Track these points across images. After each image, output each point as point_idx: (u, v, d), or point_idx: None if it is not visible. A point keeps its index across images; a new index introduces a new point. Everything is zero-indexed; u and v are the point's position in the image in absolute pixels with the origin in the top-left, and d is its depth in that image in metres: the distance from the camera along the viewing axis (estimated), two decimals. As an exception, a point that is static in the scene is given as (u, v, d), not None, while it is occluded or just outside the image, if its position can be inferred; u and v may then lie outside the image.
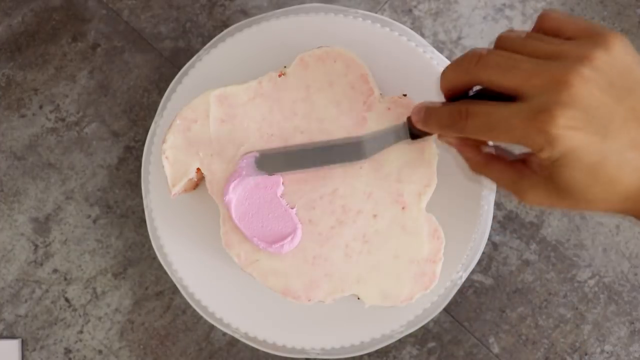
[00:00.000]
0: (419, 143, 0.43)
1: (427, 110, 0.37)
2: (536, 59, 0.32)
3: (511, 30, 0.35)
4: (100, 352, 0.53)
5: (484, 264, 0.53)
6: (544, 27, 0.34)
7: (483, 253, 0.52)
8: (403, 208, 0.44)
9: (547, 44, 0.33)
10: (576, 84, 0.31)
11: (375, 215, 0.44)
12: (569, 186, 0.33)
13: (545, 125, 0.31)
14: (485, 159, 0.37)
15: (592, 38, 0.32)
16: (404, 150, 0.44)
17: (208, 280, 0.48)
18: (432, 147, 0.44)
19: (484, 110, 0.33)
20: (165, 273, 0.53)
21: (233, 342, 0.53)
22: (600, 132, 0.31)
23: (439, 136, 0.39)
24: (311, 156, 0.43)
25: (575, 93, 0.31)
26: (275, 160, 0.43)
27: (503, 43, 0.34)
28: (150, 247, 0.53)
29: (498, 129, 0.33)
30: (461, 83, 0.35)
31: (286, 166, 0.43)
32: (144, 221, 0.53)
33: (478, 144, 0.38)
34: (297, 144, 0.43)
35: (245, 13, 0.54)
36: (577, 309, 0.53)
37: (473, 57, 0.34)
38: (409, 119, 0.40)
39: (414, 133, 0.40)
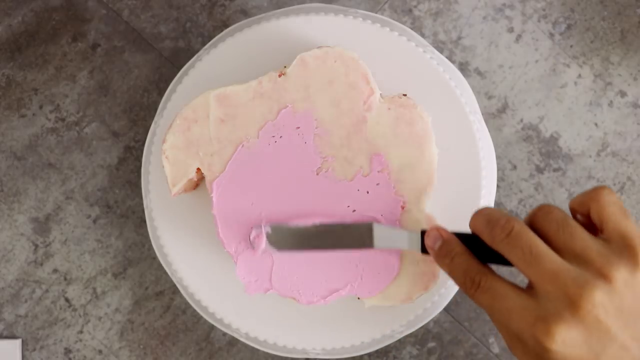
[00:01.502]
0: (418, 147, 0.43)
1: (442, 250, 0.36)
2: (560, 261, 0.31)
3: (551, 208, 0.33)
4: (100, 352, 0.53)
5: (484, 264, 0.53)
6: (587, 212, 0.34)
7: (483, 253, 0.52)
8: (403, 208, 0.44)
9: (578, 241, 0.32)
10: (584, 307, 0.30)
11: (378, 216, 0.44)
12: None
13: (543, 336, 0.31)
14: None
15: (624, 250, 0.31)
16: (404, 150, 0.44)
17: (208, 280, 0.48)
18: (432, 147, 0.44)
19: (495, 292, 0.33)
20: (165, 273, 0.53)
21: (233, 342, 0.53)
22: (595, 354, 0.31)
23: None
24: (322, 238, 0.42)
25: (581, 316, 0.30)
26: (286, 238, 0.42)
27: (540, 220, 0.33)
28: (150, 247, 0.53)
29: (499, 315, 0.32)
30: (484, 239, 0.34)
31: (296, 245, 0.42)
32: (144, 221, 0.53)
33: None
34: (307, 223, 0.43)
35: (245, 13, 0.54)
36: (577, 309, 0.53)
37: (504, 229, 0.33)
38: (423, 234, 0.38)
39: (426, 250, 0.39)
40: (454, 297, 0.52)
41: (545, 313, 0.31)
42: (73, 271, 0.53)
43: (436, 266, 0.44)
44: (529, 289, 0.33)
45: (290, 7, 0.49)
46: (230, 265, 0.46)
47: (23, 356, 0.53)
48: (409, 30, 0.48)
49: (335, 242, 0.41)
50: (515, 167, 0.53)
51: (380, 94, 0.44)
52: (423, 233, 0.39)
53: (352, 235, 0.41)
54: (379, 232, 0.41)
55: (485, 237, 0.34)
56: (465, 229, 0.38)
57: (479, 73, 0.54)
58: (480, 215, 0.35)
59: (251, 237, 0.43)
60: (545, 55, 0.54)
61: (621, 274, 0.31)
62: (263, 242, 0.42)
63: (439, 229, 0.37)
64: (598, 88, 0.54)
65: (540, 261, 0.32)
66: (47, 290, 0.53)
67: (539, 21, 0.54)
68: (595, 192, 0.33)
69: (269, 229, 0.42)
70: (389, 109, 0.44)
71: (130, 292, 0.53)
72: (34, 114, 0.54)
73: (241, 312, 0.48)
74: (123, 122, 0.54)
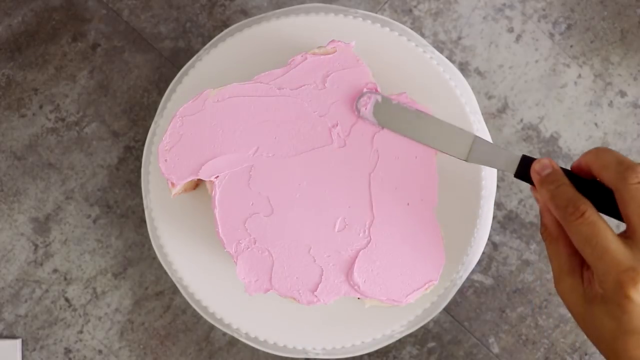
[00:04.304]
0: (422, 149, 0.43)
1: (549, 177, 0.37)
2: None
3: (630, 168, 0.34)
4: (100, 352, 0.53)
5: (484, 264, 0.53)
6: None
7: (483, 253, 0.52)
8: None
9: None
10: None
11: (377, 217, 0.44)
12: (602, 327, 0.33)
13: (629, 284, 0.32)
14: (557, 233, 0.37)
15: None
16: (404, 149, 0.44)
17: (208, 280, 0.48)
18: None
19: (597, 226, 0.34)
20: (165, 273, 0.53)
21: (233, 342, 0.53)
22: None
23: (533, 189, 0.39)
24: (422, 129, 0.41)
25: None
26: (392, 114, 0.42)
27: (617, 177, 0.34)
28: (150, 247, 0.53)
29: (592, 250, 0.33)
30: (606, 175, 0.35)
31: (397, 125, 0.41)
32: (144, 221, 0.53)
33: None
34: (411, 105, 0.42)
35: (245, 13, 0.54)
36: (577, 309, 0.53)
37: (638, 174, 0.33)
38: (525, 159, 0.39)
39: (522, 174, 0.40)
40: (454, 297, 0.52)
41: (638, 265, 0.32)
42: (73, 271, 0.53)
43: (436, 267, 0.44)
44: (626, 238, 0.33)
45: (290, 7, 0.49)
46: (230, 265, 0.46)
47: (23, 356, 0.53)
48: (409, 30, 0.48)
49: (433, 139, 0.41)
50: (515, 167, 0.53)
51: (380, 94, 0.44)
52: (523, 158, 0.40)
53: (451, 139, 0.41)
54: (478, 145, 0.41)
55: (611, 174, 0.35)
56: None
57: (479, 73, 0.54)
58: (609, 153, 0.36)
59: (359, 102, 0.42)
60: (545, 55, 0.54)
61: None
62: (369, 109, 0.42)
63: (550, 160, 0.38)
64: (598, 88, 0.54)
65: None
66: (47, 290, 0.53)
67: (539, 21, 0.54)
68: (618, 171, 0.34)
69: (379, 98, 0.42)
70: (389, 109, 0.44)
71: (130, 292, 0.53)
72: (34, 114, 0.54)
73: (241, 312, 0.48)
74: (123, 122, 0.54)
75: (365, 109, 0.42)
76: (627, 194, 0.33)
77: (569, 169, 0.38)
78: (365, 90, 0.43)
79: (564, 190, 0.36)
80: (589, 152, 0.37)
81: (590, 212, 0.34)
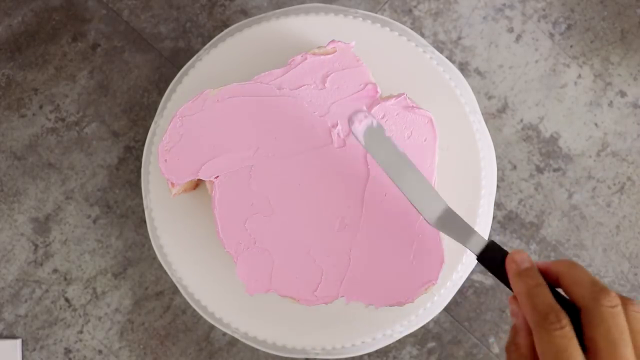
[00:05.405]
0: (421, 150, 0.43)
1: (529, 271, 0.35)
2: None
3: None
4: (100, 352, 0.53)
5: (484, 264, 0.53)
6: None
7: (483, 253, 0.52)
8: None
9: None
10: None
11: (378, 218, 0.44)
12: None
13: None
14: (527, 353, 0.34)
15: None
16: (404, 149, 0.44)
17: (208, 280, 0.48)
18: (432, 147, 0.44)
19: (572, 345, 0.31)
20: (165, 273, 0.53)
21: (233, 342, 0.53)
22: None
23: (513, 300, 0.36)
24: (405, 173, 0.40)
25: None
26: (381, 143, 0.40)
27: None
28: (150, 247, 0.53)
29: None
30: (580, 298, 0.34)
31: (383, 157, 0.40)
32: (144, 221, 0.53)
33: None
34: (400, 147, 0.41)
35: (245, 13, 0.54)
36: (577, 309, 0.53)
37: (612, 301, 0.32)
38: (494, 246, 0.37)
39: (491, 264, 0.37)
40: (454, 297, 0.52)
41: None
42: (73, 271, 0.53)
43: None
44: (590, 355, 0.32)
45: (290, 7, 0.49)
46: (230, 265, 0.46)
47: (23, 356, 0.53)
48: (409, 30, 0.48)
49: (409, 189, 0.40)
50: (515, 167, 0.53)
51: (380, 94, 0.44)
52: (491, 243, 0.38)
53: (426, 198, 0.39)
54: (447, 214, 0.39)
55: (584, 292, 0.33)
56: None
57: (479, 73, 0.54)
58: (584, 271, 0.34)
59: (355, 115, 0.40)
60: (545, 55, 0.54)
61: None
62: (362, 128, 0.40)
63: (528, 256, 0.36)
64: (598, 88, 0.54)
65: (619, 346, 0.31)
66: (47, 290, 0.53)
67: (539, 21, 0.54)
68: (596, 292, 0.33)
69: (374, 122, 0.40)
70: (389, 109, 0.44)
71: (130, 292, 0.53)
72: (34, 114, 0.54)
73: (241, 312, 0.48)
74: (123, 122, 0.54)
75: (359, 124, 0.41)
76: (597, 316, 0.32)
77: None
78: (365, 107, 0.41)
79: (543, 293, 0.34)
80: (562, 262, 0.35)
81: (570, 327, 0.32)
